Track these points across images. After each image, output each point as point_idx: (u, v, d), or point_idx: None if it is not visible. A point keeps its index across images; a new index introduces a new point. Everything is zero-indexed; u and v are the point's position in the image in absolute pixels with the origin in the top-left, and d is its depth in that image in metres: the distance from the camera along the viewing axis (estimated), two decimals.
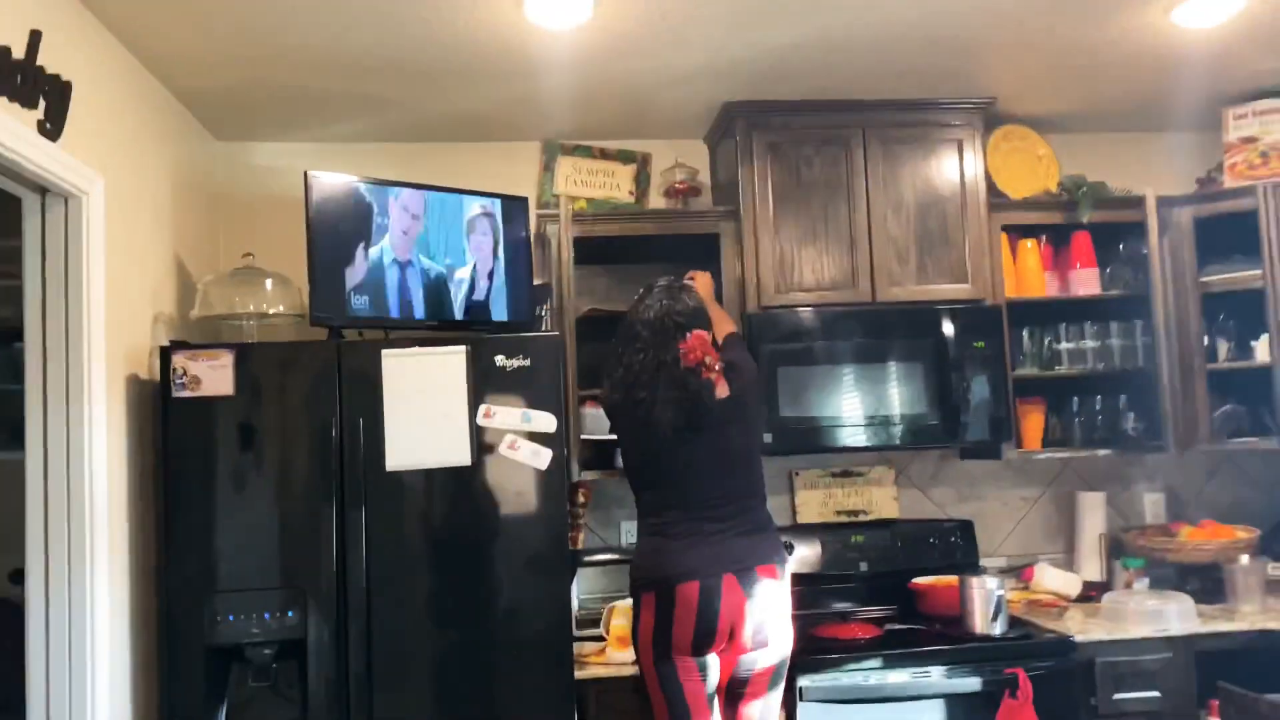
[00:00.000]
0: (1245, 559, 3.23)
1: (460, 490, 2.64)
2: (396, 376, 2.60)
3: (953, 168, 3.38)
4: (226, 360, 2.54)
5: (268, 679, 2.56)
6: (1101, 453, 3.50)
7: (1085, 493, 3.65)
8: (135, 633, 2.57)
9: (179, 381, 2.53)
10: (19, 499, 2.46)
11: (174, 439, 2.54)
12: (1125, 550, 3.53)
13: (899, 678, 2.89)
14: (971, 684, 2.88)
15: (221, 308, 2.79)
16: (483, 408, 2.64)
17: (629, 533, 3.54)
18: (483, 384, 2.65)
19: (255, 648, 2.54)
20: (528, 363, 2.67)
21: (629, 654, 2.87)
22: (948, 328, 3.25)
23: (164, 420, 2.55)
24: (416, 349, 2.64)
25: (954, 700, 2.91)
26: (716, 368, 2.58)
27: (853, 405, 3.24)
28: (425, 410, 2.61)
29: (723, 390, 2.59)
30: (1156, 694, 2.97)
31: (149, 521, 2.67)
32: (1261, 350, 3.36)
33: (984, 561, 3.63)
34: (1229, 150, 3.46)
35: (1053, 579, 3.48)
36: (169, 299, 2.90)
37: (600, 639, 2.99)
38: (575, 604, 3.16)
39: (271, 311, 2.79)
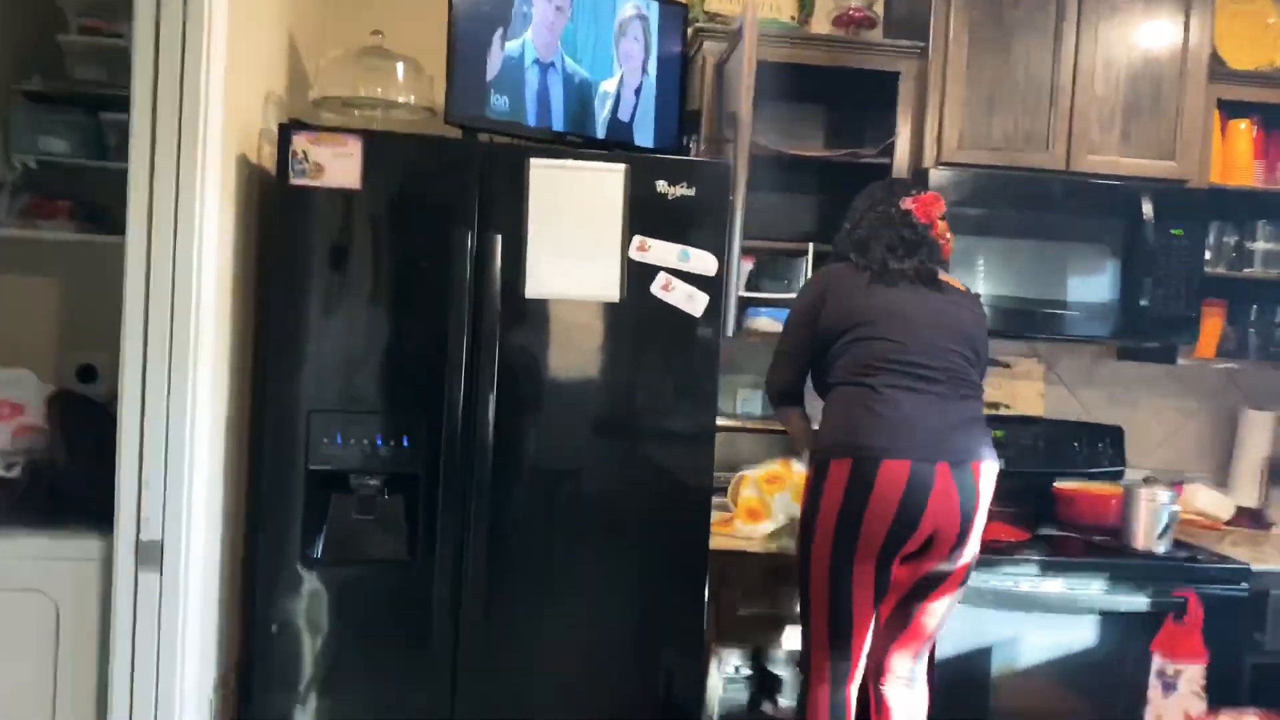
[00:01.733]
0: None
1: (605, 329, 2.32)
2: (545, 191, 2.25)
3: (1176, 25, 2.91)
4: (354, 148, 2.19)
5: (373, 512, 2.29)
6: (1270, 368, 3.14)
7: (1252, 410, 3.30)
8: (231, 447, 2.31)
9: (298, 167, 2.19)
10: (95, 290, 2.17)
11: (287, 233, 2.22)
12: None
13: (1053, 586, 2.61)
14: (1136, 603, 2.60)
15: (343, 90, 2.41)
16: (637, 239, 2.29)
17: (746, 401, 3.24)
18: (639, 212, 2.30)
19: (360, 476, 2.28)
20: (693, 192, 2.31)
21: (756, 528, 2.61)
22: (1146, 208, 2.84)
23: (278, 211, 2.22)
24: (572, 162, 2.28)
25: (1111, 618, 2.63)
26: (948, 235, 2.40)
27: (1023, 284, 2.87)
28: (575, 234, 2.27)
29: (945, 274, 2.40)
30: None
31: (250, 324, 2.37)
32: None
33: (1130, 473, 3.31)
34: None
35: (1206, 500, 3.16)
36: (280, 77, 2.54)
37: (725, 510, 2.71)
38: None
39: (401, 100, 2.42)
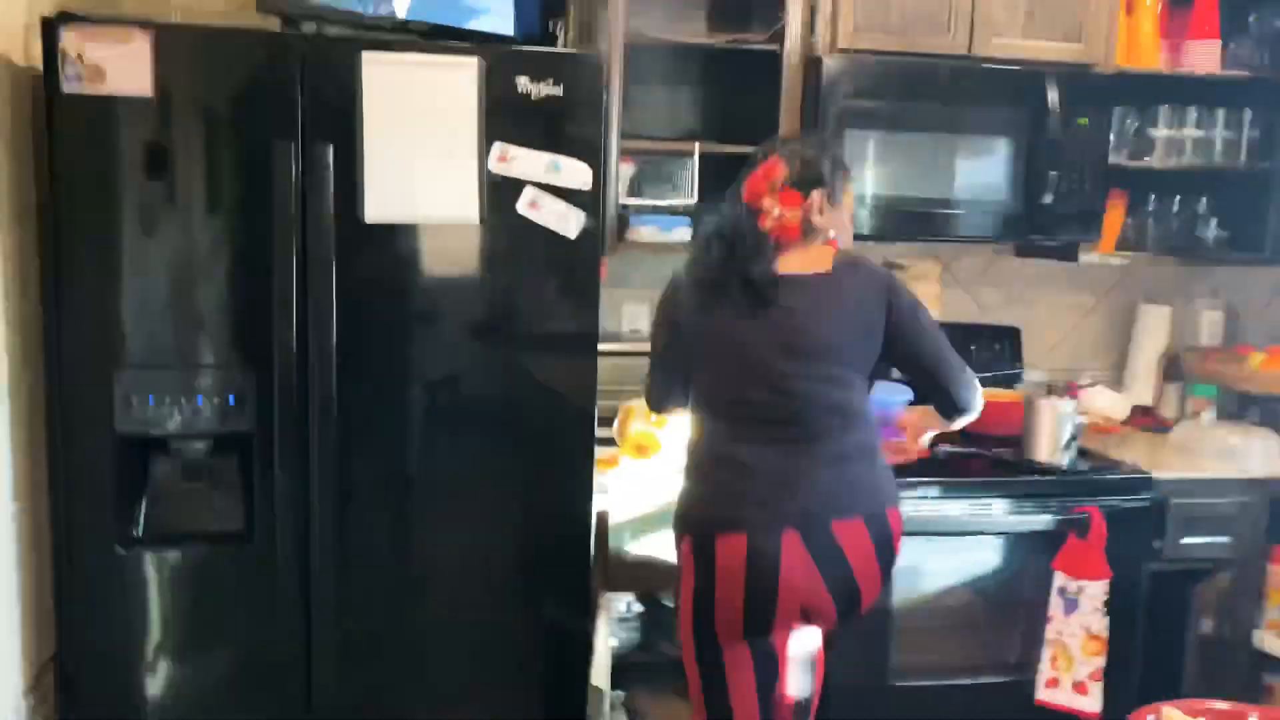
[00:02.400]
0: None
1: (464, 257, 2.00)
2: (382, 92, 1.89)
3: None
4: (142, 44, 1.78)
5: (200, 478, 1.97)
6: (1163, 261, 3.04)
7: (1149, 305, 3.20)
8: (21, 412, 1.93)
9: (71, 71, 1.77)
10: None
11: (63, 155, 1.81)
12: (1186, 374, 3.14)
13: (955, 509, 2.48)
14: (1040, 521, 2.50)
15: None
16: (498, 147, 1.96)
17: (632, 318, 2.98)
18: (498, 115, 1.96)
19: (184, 440, 1.94)
20: (559, 91, 1.98)
21: (646, 465, 2.38)
22: (1051, 95, 2.63)
23: (48, 129, 1.80)
24: (414, 56, 1.91)
25: (1014, 538, 2.53)
26: (784, 216, 1.87)
27: (920, 182, 2.66)
28: (420, 144, 1.92)
29: (801, 262, 1.88)
30: (1227, 539, 2.65)
31: (32, 266, 1.96)
32: None
33: (1026, 375, 3.20)
34: None
35: (1104, 400, 3.08)
36: None
37: (610, 444, 2.47)
38: None
39: None
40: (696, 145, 2.63)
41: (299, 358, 1.91)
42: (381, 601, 2.05)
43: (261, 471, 1.95)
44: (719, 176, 2.77)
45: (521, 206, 1.98)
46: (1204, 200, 3.10)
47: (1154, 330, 3.18)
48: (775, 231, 1.87)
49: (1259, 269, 3.18)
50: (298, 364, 1.91)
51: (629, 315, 2.97)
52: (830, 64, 2.54)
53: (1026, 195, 2.70)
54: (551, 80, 1.96)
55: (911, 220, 2.66)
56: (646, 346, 2.77)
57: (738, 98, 2.84)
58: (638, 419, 2.41)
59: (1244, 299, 3.36)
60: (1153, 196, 3.08)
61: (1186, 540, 2.63)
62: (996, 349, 3.11)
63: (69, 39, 1.75)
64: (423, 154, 1.92)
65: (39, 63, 1.85)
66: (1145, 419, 3.10)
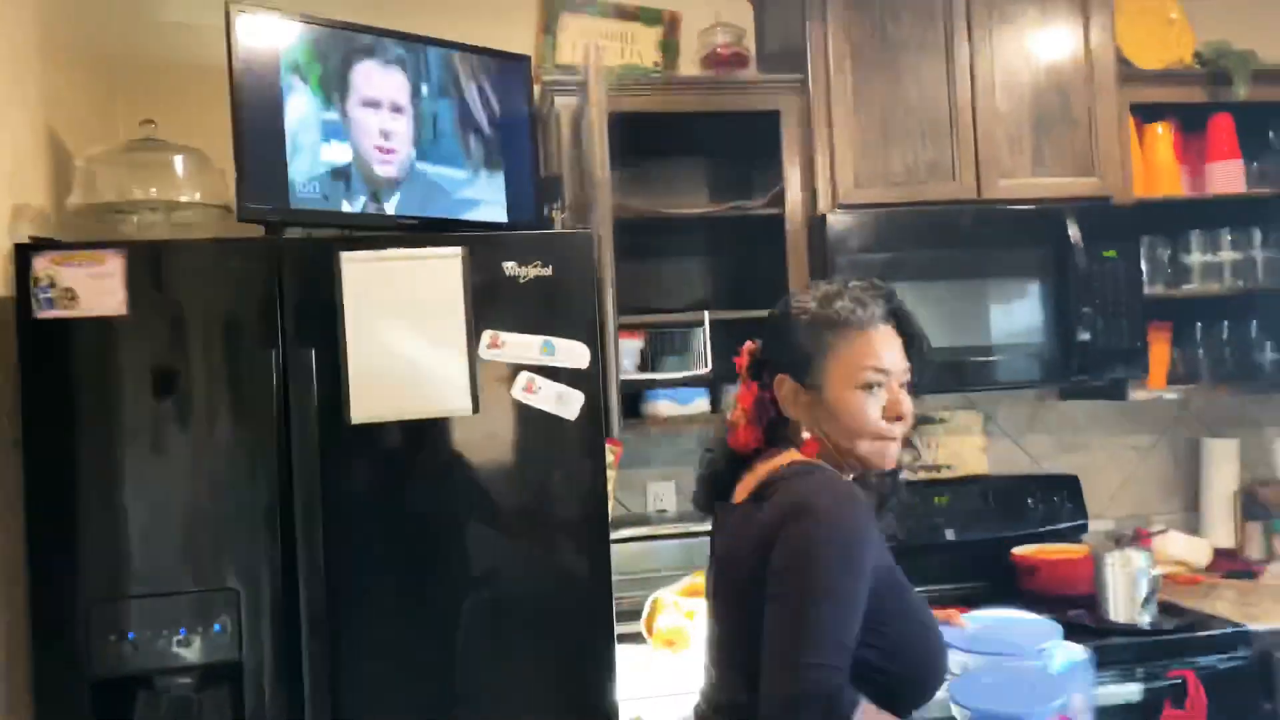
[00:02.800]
0: None
1: (457, 450, 1.88)
2: (363, 289, 1.82)
3: (1075, 28, 2.63)
4: (113, 265, 1.74)
5: (189, 714, 1.80)
6: (1224, 392, 2.84)
7: (1213, 439, 2.98)
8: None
9: (44, 296, 1.73)
10: None
11: (37, 379, 1.74)
12: (1261, 510, 2.88)
13: None
14: (1128, 692, 2.21)
15: (111, 194, 1.96)
16: (488, 334, 1.87)
17: (659, 498, 2.82)
18: (486, 301, 1.88)
19: (167, 676, 1.78)
20: (549, 272, 1.90)
21: (679, 659, 2.17)
22: (1073, 231, 2.52)
23: (22, 352, 1.75)
24: (393, 251, 1.85)
25: (1101, 715, 2.23)
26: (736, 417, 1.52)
27: (946, 331, 2.52)
28: (406, 338, 1.84)
29: (745, 483, 1.49)
30: None
31: (11, 498, 1.87)
32: None
33: (1092, 525, 2.96)
34: None
35: (1180, 546, 2.82)
36: (39, 185, 2.07)
37: (639, 639, 2.27)
38: None
39: (184, 199, 1.98)
40: (706, 314, 2.53)
41: (285, 575, 1.77)
42: None
43: (253, 704, 1.78)
44: (732, 345, 2.70)
45: (517, 392, 1.88)
46: (1254, 324, 2.92)
47: (1223, 465, 2.95)
48: (732, 441, 1.52)
49: None
50: (285, 582, 1.77)
51: (654, 495, 2.81)
52: (834, 220, 2.47)
53: (1061, 335, 2.55)
54: (540, 262, 1.89)
55: (942, 371, 2.50)
56: (676, 529, 2.65)
57: (746, 264, 2.78)
58: (667, 611, 2.21)
59: None
60: (1199, 325, 2.92)
61: None
62: (1055, 501, 2.89)
63: (41, 265, 1.72)
64: (409, 348, 1.83)
65: (13, 290, 1.82)
66: (1230, 563, 2.82)
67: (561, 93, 2.41)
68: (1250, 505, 2.92)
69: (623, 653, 2.26)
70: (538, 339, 1.88)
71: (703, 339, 2.54)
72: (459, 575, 1.86)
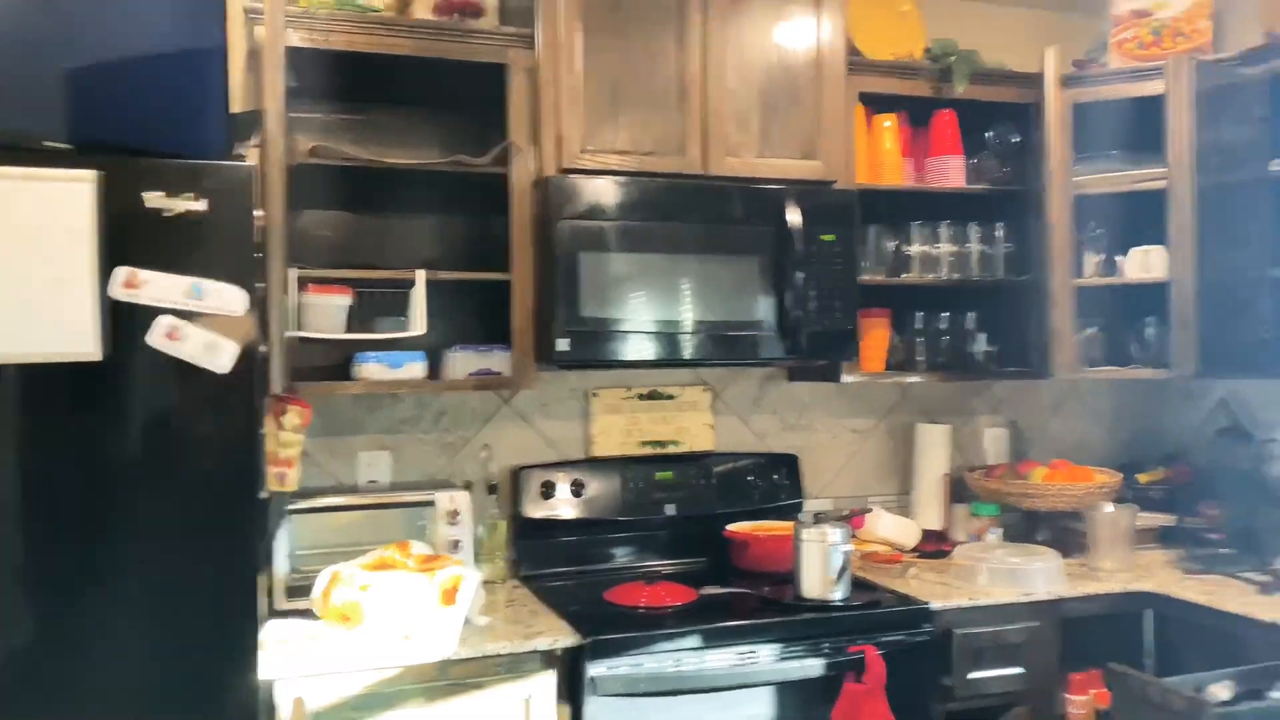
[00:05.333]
0: (1110, 507, 2.76)
1: (84, 401, 1.68)
2: None
3: (808, 14, 2.64)
4: None
5: None
6: (941, 378, 2.95)
7: (925, 425, 3.09)
8: None
9: None
10: None
11: None
12: (969, 493, 3.02)
13: (720, 660, 2.20)
14: (811, 667, 2.24)
15: None
16: (123, 272, 1.68)
17: (371, 466, 2.67)
18: (126, 236, 1.68)
19: None
20: (203, 207, 1.73)
21: (356, 636, 2.04)
22: (792, 214, 2.53)
23: None
24: (13, 170, 1.63)
25: (786, 688, 2.26)
26: None
27: (674, 308, 2.48)
28: (22, 272, 1.62)
29: None
30: (1020, 670, 2.45)
31: None
32: (1132, 266, 2.87)
33: (808, 504, 3.02)
34: (1118, 25, 2.91)
35: (889, 527, 2.91)
36: None
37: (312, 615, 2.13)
38: (285, 565, 2.27)
39: None
40: (420, 274, 2.40)
41: None
42: None
43: None
44: (454, 308, 2.59)
45: (156, 338, 1.69)
46: (971, 315, 3.04)
47: (934, 450, 3.06)
48: None
49: (1038, 383, 3.13)
50: None
51: (366, 463, 2.66)
52: (558, 184, 2.39)
53: (779, 315, 2.56)
54: (191, 195, 1.71)
55: (657, 343, 2.46)
56: (389, 498, 2.51)
57: (475, 225, 2.67)
58: (343, 585, 2.07)
59: (1025, 414, 3.31)
60: (920, 314, 3.02)
61: (976, 674, 2.42)
62: (775, 479, 2.93)
63: None
64: (25, 283, 1.62)
65: None
66: (936, 544, 2.93)
67: (259, 21, 2.22)
68: (959, 489, 3.05)
69: (296, 627, 2.13)
70: (185, 280, 1.71)
71: (417, 299, 2.41)
72: (81, 541, 1.66)
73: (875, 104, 2.85)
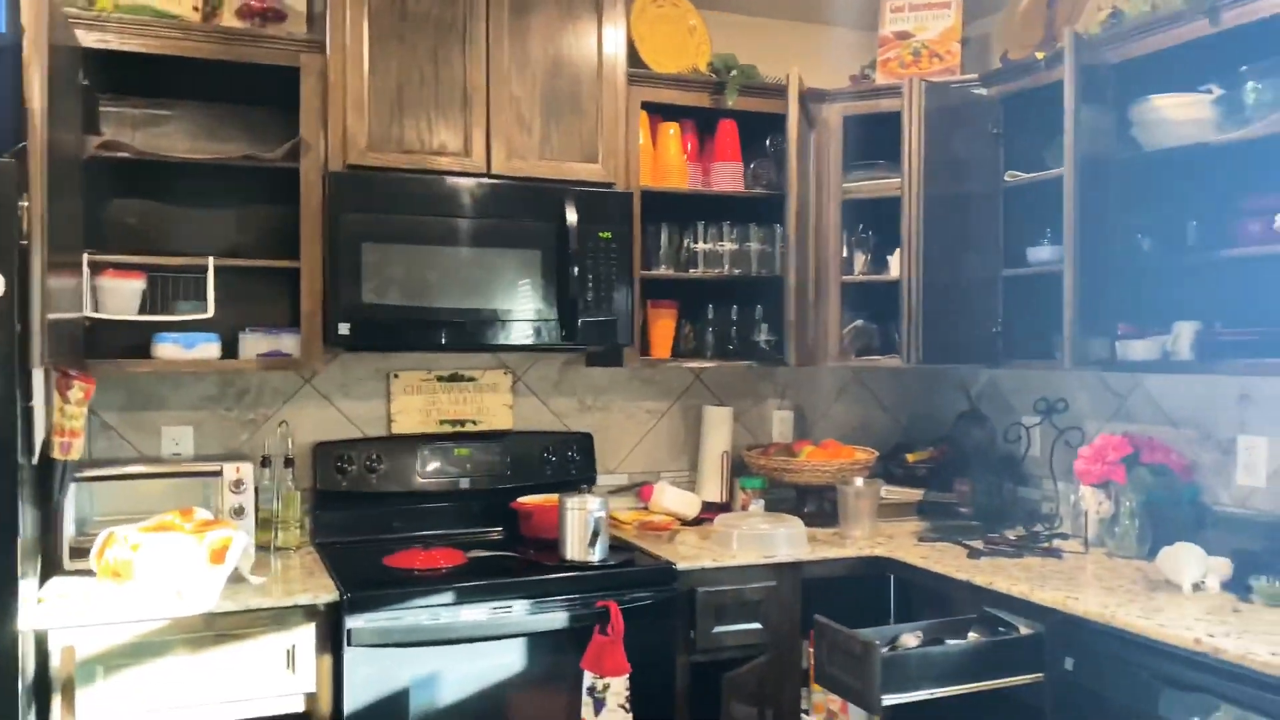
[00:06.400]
0: (859, 481, 3.07)
1: None
2: None
3: (590, 27, 2.88)
4: None
5: None
6: (730, 364, 3.23)
7: (711, 407, 3.37)
8: None
9: None
10: None
11: None
12: (747, 470, 3.30)
13: (475, 614, 2.44)
14: (557, 620, 2.49)
15: None
16: None
17: (175, 440, 2.85)
18: None
19: None
20: None
21: (127, 591, 2.23)
22: (571, 213, 2.78)
23: None
24: None
25: (539, 639, 2.51)
26: None
27: (456, 296, 2.71)
28: None
29: None
30: (758, 625, 2.74)
31: None
32: (896, 264, 3.17)
33: (604, 479, 3.29)
34: (883, 45, 3.22)
35: (672, 499, 3.18)
36: None
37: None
38: (71, 529, 2.45)
39: None
40: (210, 260, 2.59)
41: None
42: None
43: None
44: (247, 293, 2.78)
45: None
46: (755, 308, 3.33)
47: (717, 430, 3.34)
48: None
49: (820, 369, 3.41)
50: None
51: (170, 437, 2.84)
52: (343, 179, 2.60)
53: (560, 305, 2.79)
54: None
55: (436, 329, 2.68)
56: (191, 466, 2.69)
57: (273, 215, 2.84)
58: (117, 544, 2.26)
59: (809, 398, 3.61)
60: (710, 306, 3.29)
61: (719, 628, 2.70)
62: (569, 455, 3.17)
63: None
64: None
65: None
66: (712, 514, 3.21)
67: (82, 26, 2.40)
68: (739, 466, 3.33)
69: (76, 584, 2.31)
70: None
71: (207, 284, 2.60)
72: None
73: (663, 113, 3.11)
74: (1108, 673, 2.17)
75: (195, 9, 2.80)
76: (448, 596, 2.42)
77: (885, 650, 2.27)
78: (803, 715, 2.85)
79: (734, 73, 3.10)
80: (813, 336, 3.19)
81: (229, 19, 2.82)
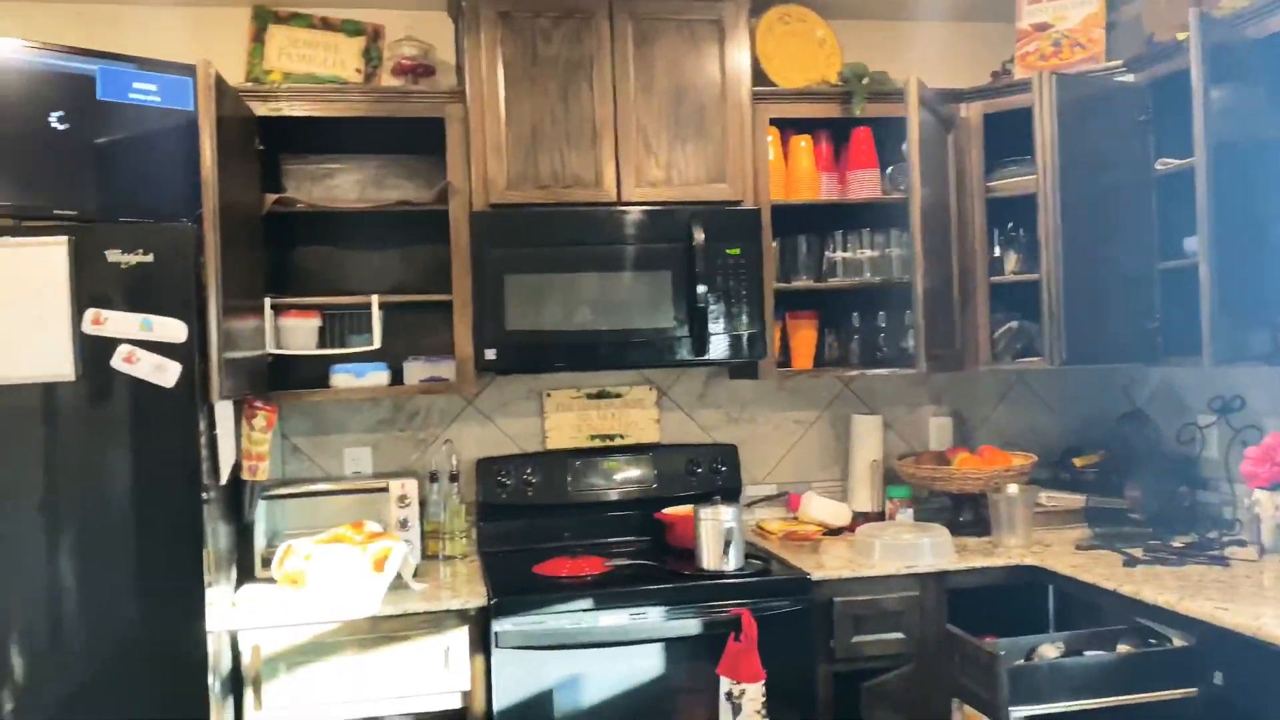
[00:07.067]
0: (1013, 489, 2.97)
1: (62, 411, 2.21)
2: None
3: (712, 52, 2.97)
4: None
5: None
6: (879, 372, 3.21)
7: (860, 416, 3.36)
8: None
9: None
10: None
11: None
12: (896, 479, 3.27)
13: (613, 620, 2.57)
14: (691, 626, 2.59)
15: None
16: (91, 312, 2.20)
17: (355, 460, 3.16)
18: (92, 283, 2.21)
19: None
20: (150, 259, 2.23)
21: (302, 597, 2.51)
22: (698, 233, 2.87)
23: None
24: (5, 239, 2.18)
25: (676, 645, 2.61)
26: None
27: (591, 319, 2.86)
28: (15, 314, 2.16)
29: None
30: (900, 635, 2.72)
31: None
32: None
33: (752, 489, 3.36)
34: (1021, 38, 3.12)
35: (819, 509, 3.20)
36: None
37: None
38: (263, 541, 2.78)
39: None
40: (375, 298, 2.87)
41: None
42: None
43: None
44: (407, 326, 3.05)
45: (117, 362, 2.21)
46: (908, 314, 3.29)
47: (867, 439, 3.33)
48: None
49: (978, 374, 3.33)
50: None
51: (350, 457, 3.15)
52: (484, 218, 2.81)
53: (690, 323, 2.89)
54: (142, 250, 2.22)
55: (576, 351, 2.84)
56: (362, 484, 2.98)
57: (432, 254, 3.10)
58: (293, 555, 2.55)
59: (968, 404, 3.52)
60: (855, 314, 3.30)
61: (859, 638, 2.70)
62: (714, 467, 3.26)
63: None
64: (17, 322, 2.16)
65: None
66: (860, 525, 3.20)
67: (257, 98, 2.75)
68: (891, 475, 3.31)
69: (264, 591, 2.62)
70: (138, 316, 2.22)
71: (371, 320, 2.88)
72: (68, 520, 2.21)
73: (795, 126, 3.15)
74: (1258, 689, 2.03)
75: (358, 70, 3.12)
76: (587, 602, 2.57)
77: (1020, 661, 2.21)
78: None
79: (864, 80, 3.10)
80: (960, 340, 3.13)
81: (387, 80, 3.12)
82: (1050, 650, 2.36)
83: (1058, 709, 2.20)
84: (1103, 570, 2.60)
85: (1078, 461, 3.33)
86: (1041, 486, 3.24)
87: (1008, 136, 3.09)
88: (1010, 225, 3.17)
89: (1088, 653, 2.31)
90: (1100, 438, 3.42)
